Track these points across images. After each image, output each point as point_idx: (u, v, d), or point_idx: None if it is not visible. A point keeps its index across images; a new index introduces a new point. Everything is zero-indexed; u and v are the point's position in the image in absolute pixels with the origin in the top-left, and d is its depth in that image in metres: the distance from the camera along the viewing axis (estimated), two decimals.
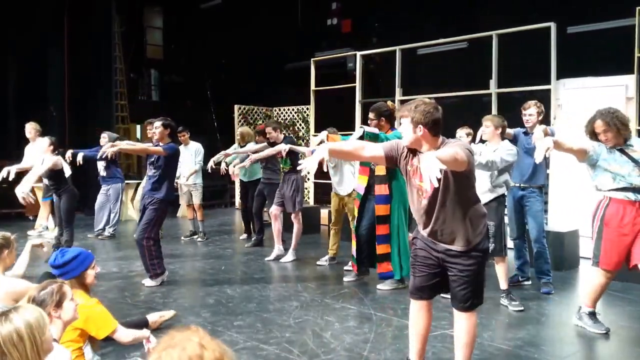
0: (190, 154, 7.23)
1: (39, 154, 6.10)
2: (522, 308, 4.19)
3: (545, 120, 6.34)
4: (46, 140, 5.97)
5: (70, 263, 2.83)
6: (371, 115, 4.80)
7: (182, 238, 7.42)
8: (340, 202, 5.71)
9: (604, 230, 3.58)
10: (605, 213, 3.57)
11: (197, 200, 7.34)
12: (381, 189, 4.71)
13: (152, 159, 5.05)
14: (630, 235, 3.51)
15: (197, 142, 7.41)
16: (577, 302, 4.69)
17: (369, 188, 4.87)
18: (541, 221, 4.73)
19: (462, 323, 2.76)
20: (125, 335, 2.85)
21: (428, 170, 2.25)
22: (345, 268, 5.43)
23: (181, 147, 7.34)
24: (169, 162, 5.01)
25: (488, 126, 4.23)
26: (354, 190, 5.28)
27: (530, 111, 4.60)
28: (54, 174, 5.85)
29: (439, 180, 2.28)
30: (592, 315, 3.75)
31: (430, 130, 2.60)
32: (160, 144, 5.01)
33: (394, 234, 4.75)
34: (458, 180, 2.61)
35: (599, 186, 3.64)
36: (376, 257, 4.86)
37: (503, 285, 4.30)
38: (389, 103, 4.92)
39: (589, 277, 3.82)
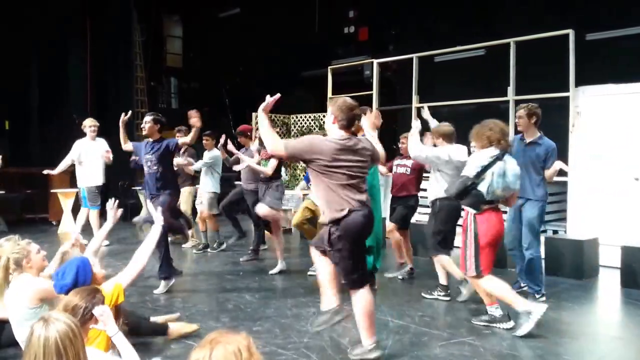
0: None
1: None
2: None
3: (564, 128, 6.33)
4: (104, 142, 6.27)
5: (78, 280, 2.72)
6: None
7: (194, 252, 6.92)
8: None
9: None
10: None
11: (205, 208, 6.86)
12: None
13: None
14: None
15: (216, 148, 6.89)
16: (597, 311, 4.67)
17: None
18: (536, 228, 4.58)
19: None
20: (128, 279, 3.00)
21: None
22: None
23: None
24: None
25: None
26: None
27: (519, 113, 4.69)
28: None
29: None
30: None
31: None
32: (150, 139, 5.06)
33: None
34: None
35: None
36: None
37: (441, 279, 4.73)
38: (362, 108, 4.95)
39: None
